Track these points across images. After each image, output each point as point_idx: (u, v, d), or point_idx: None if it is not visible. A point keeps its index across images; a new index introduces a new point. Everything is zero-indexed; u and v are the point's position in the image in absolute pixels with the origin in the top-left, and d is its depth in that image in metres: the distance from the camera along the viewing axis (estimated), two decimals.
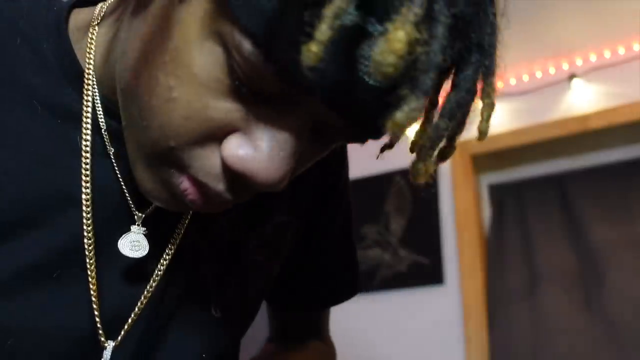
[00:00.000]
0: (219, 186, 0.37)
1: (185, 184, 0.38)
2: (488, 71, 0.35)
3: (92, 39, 0.47)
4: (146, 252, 0.46)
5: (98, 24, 0.47)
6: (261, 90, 0.34)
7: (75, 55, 0.46)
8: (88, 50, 0.46)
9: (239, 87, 0.34)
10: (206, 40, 0.34)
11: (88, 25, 0.47)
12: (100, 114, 0.46)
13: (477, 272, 2.31)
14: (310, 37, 0.30)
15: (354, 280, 0.70)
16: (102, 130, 0.46)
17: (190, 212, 0.49)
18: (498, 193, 2.50)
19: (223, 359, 0.54)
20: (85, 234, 0.44)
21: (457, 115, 0.35)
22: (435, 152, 0.36)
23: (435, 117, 0.36)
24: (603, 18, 2.15)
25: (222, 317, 0.52)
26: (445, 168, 2.49)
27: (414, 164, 0.36)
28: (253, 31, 0.32)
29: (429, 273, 2.37)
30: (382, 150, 0.44)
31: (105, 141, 0.46)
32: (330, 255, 0.66)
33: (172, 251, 0.48)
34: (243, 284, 0.54)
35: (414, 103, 0.30)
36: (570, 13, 2.12)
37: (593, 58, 2.33)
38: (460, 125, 0.37)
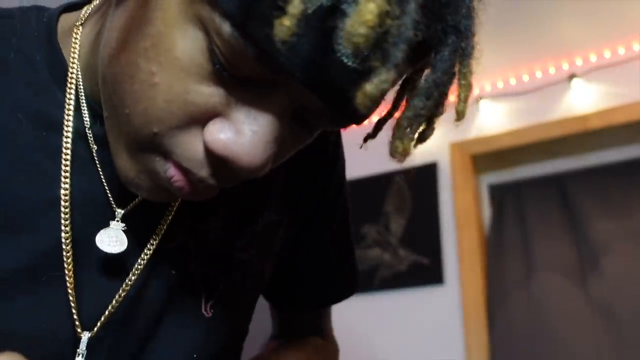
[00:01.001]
0: (202, 172, 0.38)
1: (171, 171, 0.38)
2: (465, 53, 0.36)
3: (76, 39, 0.48)
4: (125, 247, 0.46)
5: (82, 24, 0.48)
6: (242, 74, 0.35)
7: (64, 60, 0.47)
8: (72, 50, 0.47)
9: (219, 71, 0.35)
10: (187, 25, 0.35)
11: (72, 29, 0.48)
12: (85, 113, 0.46)
13: (477, 272, 2.31)
14: (283, 12, 0.30)
15: (352, 278, 0.70)
16: (86, 128, 0.46)
17: (174, 208, 0.50)
18: (498, 193, 2.50)
19: (218, 356, 0.53)
20: (63, 234, 0.45)
21: (434, 94, 0.36)
22: (416, 135, 0.38)
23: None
24: (603, 18, 2.15)
25: (214, 316, 0.52)
26: (445, 168, 2.49)
27: (392, 141, 0.37)
28: (231, 12, 0.32)
29: (429, 273, 2.37)
30: (365, 140, 0.44)
31: (89, 140, 0.47)
32: (329, 253, 0.66)
33: (154, 246, 0.48)
34: (232, 283, 0.54)
35: (384, 75, 0.31)
36: (570, 13, 2.12)
37: (593, 58, 2.33)
38: (437, 106, 0.37)
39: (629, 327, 2.08)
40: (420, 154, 2.55)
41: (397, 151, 0.37)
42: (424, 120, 0.37)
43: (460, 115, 0.38)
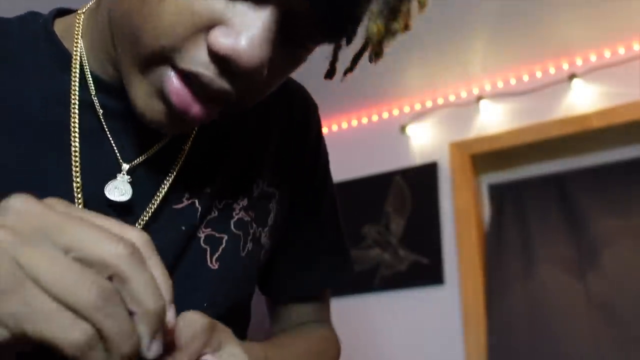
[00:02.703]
0: (209, 72, 0.42)
1: (171, 83, 0.42)
2: None
3: (79, 22, 0.54)
4: (129, 196, 0.50)
5: (83, 12, 0.55)
6: None
7: (64, 47, 0.53)
8: (76, 31, 0.53)
9: None
10: None
11: (73, 24, 0.55)
12: (90, 83, 0.52)
13: (477, 271, 2.31)
14: None
15: (346, 262, 0.72)
16: (92, 95, 0.52)
17: (179, 164, 0.55)
18: (498, 193, 2.50)
19: (229, 312, 0.55)
20: (75, 190, 0.49)
21: None
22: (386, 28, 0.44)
23: None
24: (603, 18, 2.15)
25: (220, 269, 0.55)
26: (445, 168, 2.49)
27: (368, 26, 0.43)
28: None
29: (429, 273, 2.37)
30: (345, 73, 0.50)
31: (95, 107, 0.52)
32: (320, 238, 0.69)
33: (159, 198, 0.52)
34: (234, 241, 0.57)
35: None
36: (570, 13, 2.12)
37: (593, 58, 2.33)
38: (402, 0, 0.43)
39: (629, 325, 2.08)
40: (420, 154, 2.56)
41: (374, 32, 0.42)
42: (392, 13, 0.43)
43: (422, 6, 0.44)
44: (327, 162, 0.71)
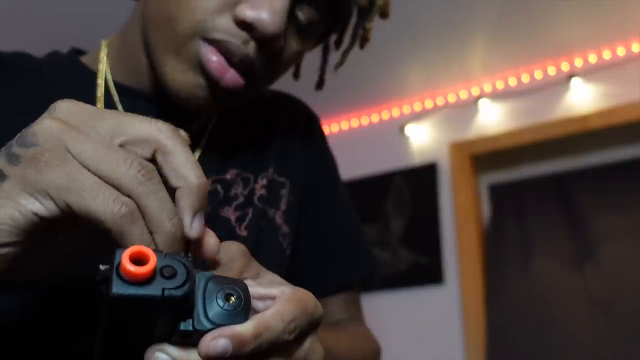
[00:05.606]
0: (235, 40, 0.50)
1: (206, 52, 0.50)
2: None
3: (103, 50, 0.59)
4: None
5: (107, 43, 0.60)
6: None
7: (86, 66, 0.59)
8: (101, 56, 0.59)
9: None
10: None
11: (97, 52, 0.60)
12: (112, 89, 0.57)
13: (477, 271, 2.32)
14: None
15: (367, 255, 0.73)
16: (116, 103, 0.56)
17: (199, 152, 0.59)
18: (498, 193, 2.51)
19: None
20: None
21: None
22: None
23: None
24: (603, 18, 2.15)
25: (249, 235, 0.58)
26: (445, 168, 2.49)
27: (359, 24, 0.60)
28: None
29: (429, 273, 2.38)
30: (336, 67, 0.62)
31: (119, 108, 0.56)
32: (337, 235, 0.70)
33: None
34: (258, 212, 0.61)
35: None
36: (570, 13, 2.12)
37: (592, 58, 2.33)
38: None
39: (627, 321, 2.09)
40: (420, 154, 2.56)
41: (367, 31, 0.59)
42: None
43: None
44: (335, 167, 0.74)
